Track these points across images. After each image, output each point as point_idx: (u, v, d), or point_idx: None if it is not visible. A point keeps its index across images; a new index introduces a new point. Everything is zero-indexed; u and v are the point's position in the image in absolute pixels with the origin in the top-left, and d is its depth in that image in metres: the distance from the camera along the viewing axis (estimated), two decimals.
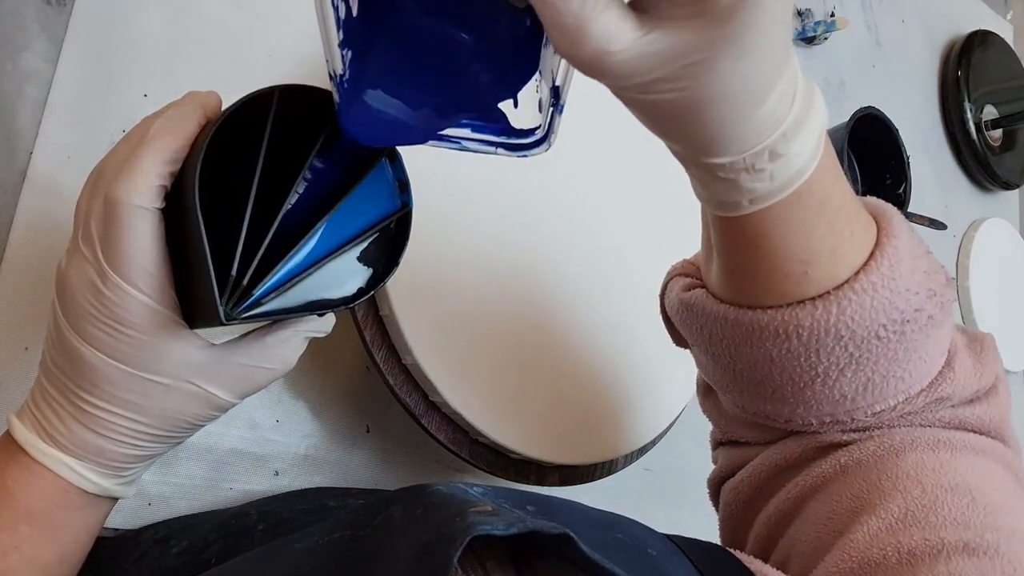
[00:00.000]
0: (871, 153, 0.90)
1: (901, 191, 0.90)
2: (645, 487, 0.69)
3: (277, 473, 0.52)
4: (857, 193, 0.33)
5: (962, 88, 1.10)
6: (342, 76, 0.26)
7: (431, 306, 0.48)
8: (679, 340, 0.41)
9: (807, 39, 0.92)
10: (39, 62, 0.47)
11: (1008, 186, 1.16)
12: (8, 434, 0.32)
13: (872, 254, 0.30)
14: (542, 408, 0.53)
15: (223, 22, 0.53)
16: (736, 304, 0.33)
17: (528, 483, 0.54)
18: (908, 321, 0.30)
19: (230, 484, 0.50)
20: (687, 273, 0.39)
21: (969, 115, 1.10)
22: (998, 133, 1.14)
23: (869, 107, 0.87)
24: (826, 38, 0.93)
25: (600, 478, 0.57)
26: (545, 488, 0.58)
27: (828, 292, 0.30)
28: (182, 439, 0.33)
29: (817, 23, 0.91)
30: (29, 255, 0.45)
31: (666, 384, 0.60)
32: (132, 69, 0.49)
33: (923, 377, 0.33)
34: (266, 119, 0.29)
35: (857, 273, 0.30)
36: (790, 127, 0.26)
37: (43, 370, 0.32)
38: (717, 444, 0.42)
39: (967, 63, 1.11)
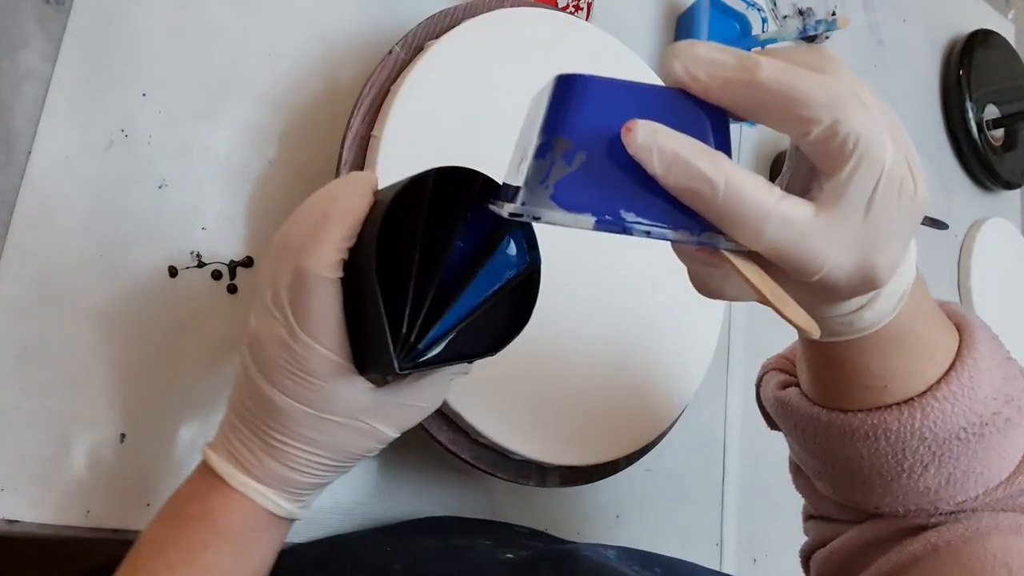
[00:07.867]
0: None
1: None
2: (646, 488, 0.69)
3: None
4: None
5: (964, 87, 1.10)
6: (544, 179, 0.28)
7: None
8: (773, 425, 0.44)
9: (807, 38, 0.92)
10: (37, 60, 0.46)
11: (1010, 186, 1.16)
12: (205, 465, 0.37)
13: (953, 365, 0.33)
14: (543, 409, 0.53)
15: (222, 21, 0.53)
16: (827, 407, 0.36)
17: (529, 484, 0.54)
18: (987, 424, 0.33)
19: None
20: (782, 368, 0.42)
21: (971, 114, 1.10)
22: (1000, 132, 1.14)
23: None
24: (827, 37, 0.93)
25: (601, 479, 0.57)
26: (545, 489, 0.57)
27: (913, 399, 0.33)
28: (349, 468, 0.38)
29: (818, 22, 0.91)
30: (27, 255, 0.45)
31: (667, 385, 0.60)
32: (131, 68, 0.49)
33: (1002, 471, 0.35)
34: (423, 196, 0.34)
35: (939, 382, 0.33)
36: (871, 298, 0.30)
37: (234, 410, 0.36)
38: (808, 517, 0.44)
39: (969, 62, 1.11)
